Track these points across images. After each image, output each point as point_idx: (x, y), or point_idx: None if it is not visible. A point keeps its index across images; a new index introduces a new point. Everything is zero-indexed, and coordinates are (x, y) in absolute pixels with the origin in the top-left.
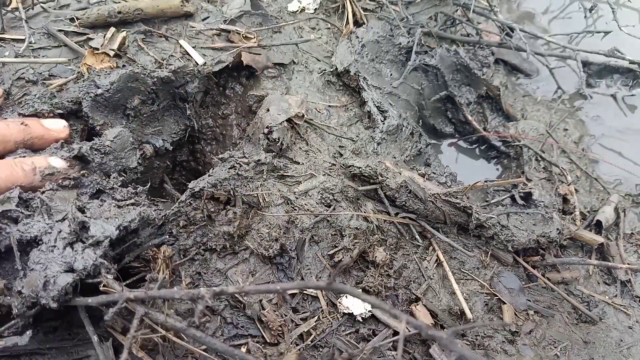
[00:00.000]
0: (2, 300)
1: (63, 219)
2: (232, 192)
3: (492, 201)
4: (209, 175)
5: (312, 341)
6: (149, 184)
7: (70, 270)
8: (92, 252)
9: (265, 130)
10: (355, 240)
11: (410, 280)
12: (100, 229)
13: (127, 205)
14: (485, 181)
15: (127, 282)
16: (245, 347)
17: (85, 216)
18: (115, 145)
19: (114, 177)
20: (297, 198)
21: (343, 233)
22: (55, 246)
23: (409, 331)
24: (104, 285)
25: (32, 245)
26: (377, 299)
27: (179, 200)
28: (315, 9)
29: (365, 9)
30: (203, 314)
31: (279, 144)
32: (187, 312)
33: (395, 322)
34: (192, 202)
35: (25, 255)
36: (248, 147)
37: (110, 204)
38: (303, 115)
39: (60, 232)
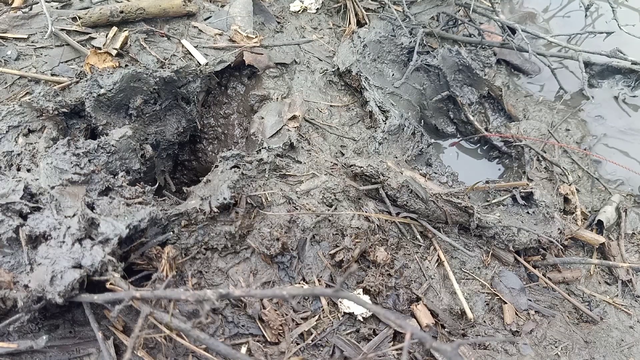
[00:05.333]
0: (8, 293)
1: (73, 215)
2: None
3: (494, 201)
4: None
5: (312, 340)
6: (157, 183)
7: (78, 266)
8: (100, 250)
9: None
10: (357, 240)
11: (411, 280)
12: (111, 227)
13: (136, 203)
14: (487, 182)
15: (131, 279)
16: (246, 346)
17: (95, 212)
18: (120, 145)
19: (122, 176)
20: (298, 197)
21: (344, 232)
22: (64, 242)
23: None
24: (110, 283)
25: (40, 240)
26: (382, 308)
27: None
28: (317, 9)
29: (367, 9)
30: (207, 315)
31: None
32: (189, 310)
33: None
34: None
35: (33, 250)
36: (249, 146)
37: (119, 202)
38: (298, 117)
39: (69, 228)
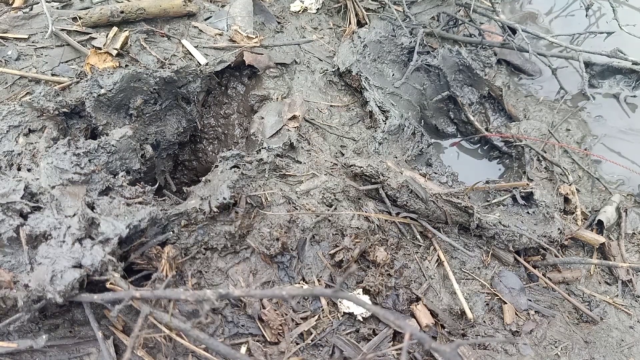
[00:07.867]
0: (8, 293)
1: (73, 215)
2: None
3: (494, 201)
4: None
5: (312, 340)
6: (157, 183)
7: (78, 265)
8: (100, 249)
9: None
10: (356, 240)
11: (411, 280)
12: (111, 227)
13: (136, 203)
14: (487, 182)
15: (130, 279)
16: (246, 346)
17: (95, 212)
18: (120, 145)
19: (122, 176)
20: (298, 197)
21: (344, 233)
22: (64, 241)
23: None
24: (110, 283)
25: (41, 240)
26: (382, 308)
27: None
28: (318, 9)
29: (367, 9)
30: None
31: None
32: (189, 310)
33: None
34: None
35: (33, 249)
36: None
37: (119, 202)
38: (298, 117)
39: (69, 227)
